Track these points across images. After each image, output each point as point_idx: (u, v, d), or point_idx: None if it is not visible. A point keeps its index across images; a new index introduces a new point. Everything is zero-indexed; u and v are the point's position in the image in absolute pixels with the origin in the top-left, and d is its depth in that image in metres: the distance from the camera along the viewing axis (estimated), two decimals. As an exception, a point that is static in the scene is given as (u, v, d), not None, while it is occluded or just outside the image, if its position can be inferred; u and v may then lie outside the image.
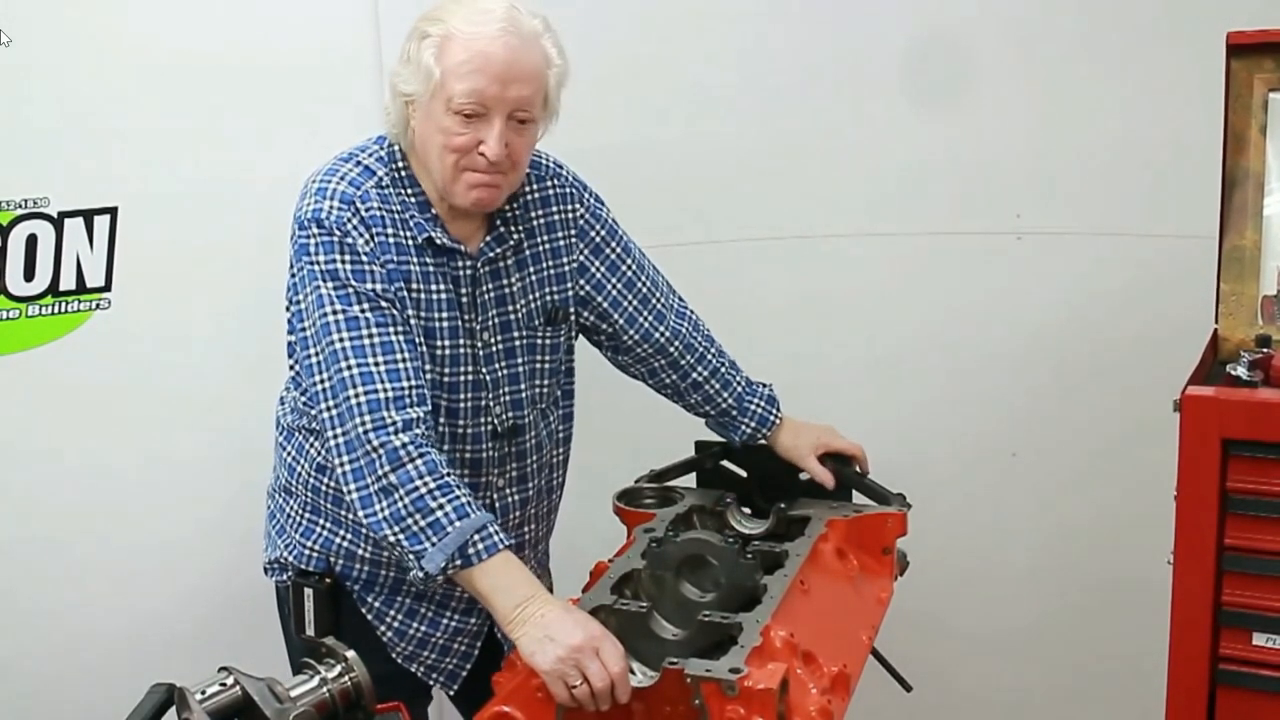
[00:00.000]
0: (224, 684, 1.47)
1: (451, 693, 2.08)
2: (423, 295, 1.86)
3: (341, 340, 1.77)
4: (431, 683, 2.05)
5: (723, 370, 2.16)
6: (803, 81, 2.80)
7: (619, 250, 2.07)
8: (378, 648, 1.99)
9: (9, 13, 2.27)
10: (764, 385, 2.20)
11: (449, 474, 1.73)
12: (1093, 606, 2.84)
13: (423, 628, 2.01)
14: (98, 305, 2.42)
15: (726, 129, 2.83)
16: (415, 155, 1.88)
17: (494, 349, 1.94)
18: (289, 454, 2.02)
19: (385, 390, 1.75)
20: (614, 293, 2.06)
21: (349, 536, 1.98)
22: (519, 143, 1.83)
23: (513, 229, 1.95)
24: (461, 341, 1.91)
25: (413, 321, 1.84)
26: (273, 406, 2.07)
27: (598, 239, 2.05)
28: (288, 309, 1.89)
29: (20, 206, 2.33)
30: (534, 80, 1.80)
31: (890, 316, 2.87)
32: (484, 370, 1.93)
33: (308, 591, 1.98)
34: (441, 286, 1.88)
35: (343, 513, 1.96)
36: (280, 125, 2.48)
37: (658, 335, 2.11)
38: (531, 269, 1.98)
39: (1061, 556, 2.86)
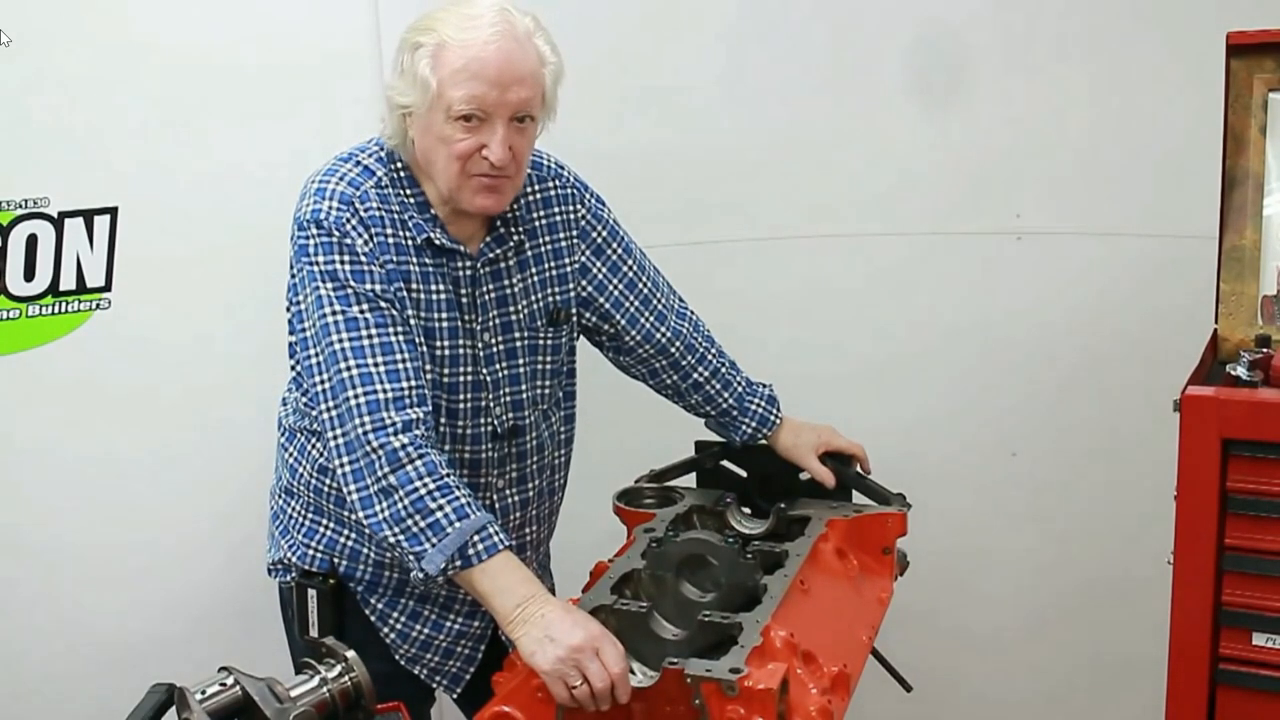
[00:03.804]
0: (224, 684, 1.47)
1: (455, 696, 2.08)
2: (422, 295, 1.86)
3: (341, 341, 1.77)
4: (435, 685, 2.05)
5: (723, 370, 2.16)
6: (803, 81, 2.80)
7: (620, 251, 2.07)
8: (381, 649, 1.99)
9: (9, 13, 2.27)
10: (764, 385, 2.20)
11: (449, 475, 1.73)
12: (1093, 606, 2.84)
13: (426, 630, 2.01)
14: (98, 305, 2.42)
15: (726, 129, 2.83)
16: (417, 165, 1.88)
17: (495, 350, 1.94)
18: (291, 455, 2.02)
19: (385, 391, 1.75)
20: (616, 294, 2.06)
21: (353, 537, 1.98)
22: (521, 143, 1.83)
23: (513, 230, 1.95)
24: (461, 342, 1.91)
25: (413, 322, 1.84)
26: (274, 407, 2.07)
27: (599, 240, 2.05)
28: (288, 310, 1.89)
29: (20, 206, 2.33)
30: (531, 81, 1.80)
31: (890, 316, 2.87)
32: (484, 371, 1.93)
33: (311, 593, 1.98)
34: (441, 287, 1.88)
35: (346, 513, 1.96)
36: (280, 126, 2.48)
37: (659, 336, 2.11)
38: (533, 269, 1.98)
39: (1061, 556, 2.86)
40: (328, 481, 1.95)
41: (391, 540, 1.72)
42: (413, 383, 1.78)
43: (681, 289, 2.19)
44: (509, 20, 1.78)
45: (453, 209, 1.88)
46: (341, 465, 1.76)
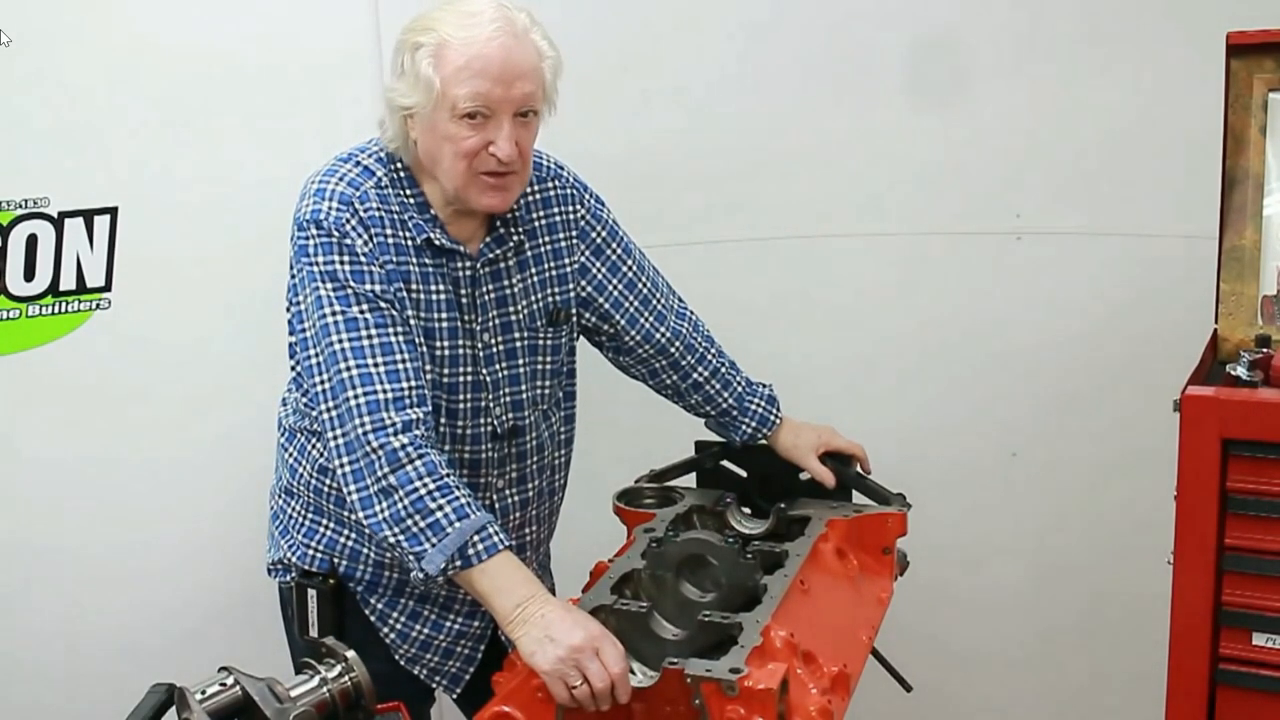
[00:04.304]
0: (224, 684, 1.47)
1: (455, 696, 2.08)
2: (422, 296, 1.86)
3: (340, 341, 1.77)
4: (435, 685, 2.05)
5: (723, 370, 2.16)
6: (802, 81, 2.80)
7: (620, 251, 2.07)
8: (381, 649, 1.99)
9: (9, 13, 2.27)
10: (764, 385, 2.20)
11: (449, 475, 1.73)
12: (1092, 606, 2.84)
13: (425, 630, 2.01)
14: (98, 305, 2.42)
15: (726, 129, 2.83)
16: (419, 166, 1.88)
17: (494, 350, 1.94)
18: (291, 455, 2.02)
19: (384, 391, 1.75)
20: (615, 294, 2.06)
21: (353, 537, 1.98)
22: (525, 137, 1.83)
23: (513, 230, 1.95)
24: (461, 342, 1.91)
25: (412, 322, 1.84)
26: (274, 407, 2.07)
27: (599, 240, 2.05)
28: (288, 310, 1.89)
29: (20, 206, 2.33)
30: (533, 76, 1.80)
31: (890, 316, 2.87)
32: (484, 371, 1.93)
33: (311, 593, 1.98)
34: (441, 287, 1.88)
35: (346, 513, 1.96)
36: (280, 126, 2.48)
37: (659, 336, 2.11)
38: (533, 270, 1.98)
39: (1061, 556, 2.86)
40: (328, 482, 1.95)
41: (391, 540, 1.72)
42: (412, 383, 1.78)
43: (681, 289, 2.19)
44: (508, 17, 1.79)
45: (454, 209, 1.88)
46: (341, 465, 1.76)
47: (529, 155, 1.87)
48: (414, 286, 1.86)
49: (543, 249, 1.99)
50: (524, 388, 1.98)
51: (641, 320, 2.09)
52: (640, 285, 2.09)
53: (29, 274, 2.36)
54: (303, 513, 2.02)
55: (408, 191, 1.88)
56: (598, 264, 2.05)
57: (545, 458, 2.05)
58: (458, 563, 1.69)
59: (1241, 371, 1.76)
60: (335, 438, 1.77)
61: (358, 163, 1.88)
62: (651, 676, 1.68)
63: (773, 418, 2.18)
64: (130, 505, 2.49)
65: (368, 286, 1.80)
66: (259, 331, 2.27)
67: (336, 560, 1.99)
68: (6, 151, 2.32)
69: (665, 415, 2.22)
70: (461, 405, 1.92)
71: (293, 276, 1.86)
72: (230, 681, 1.47)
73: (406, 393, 1.76)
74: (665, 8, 2.81)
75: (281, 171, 2.12)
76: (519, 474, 2.01)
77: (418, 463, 1.72)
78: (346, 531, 1.98)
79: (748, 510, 2.16)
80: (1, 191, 2.31)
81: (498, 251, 1.93)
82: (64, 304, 2.40)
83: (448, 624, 2.02)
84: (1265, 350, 1.80)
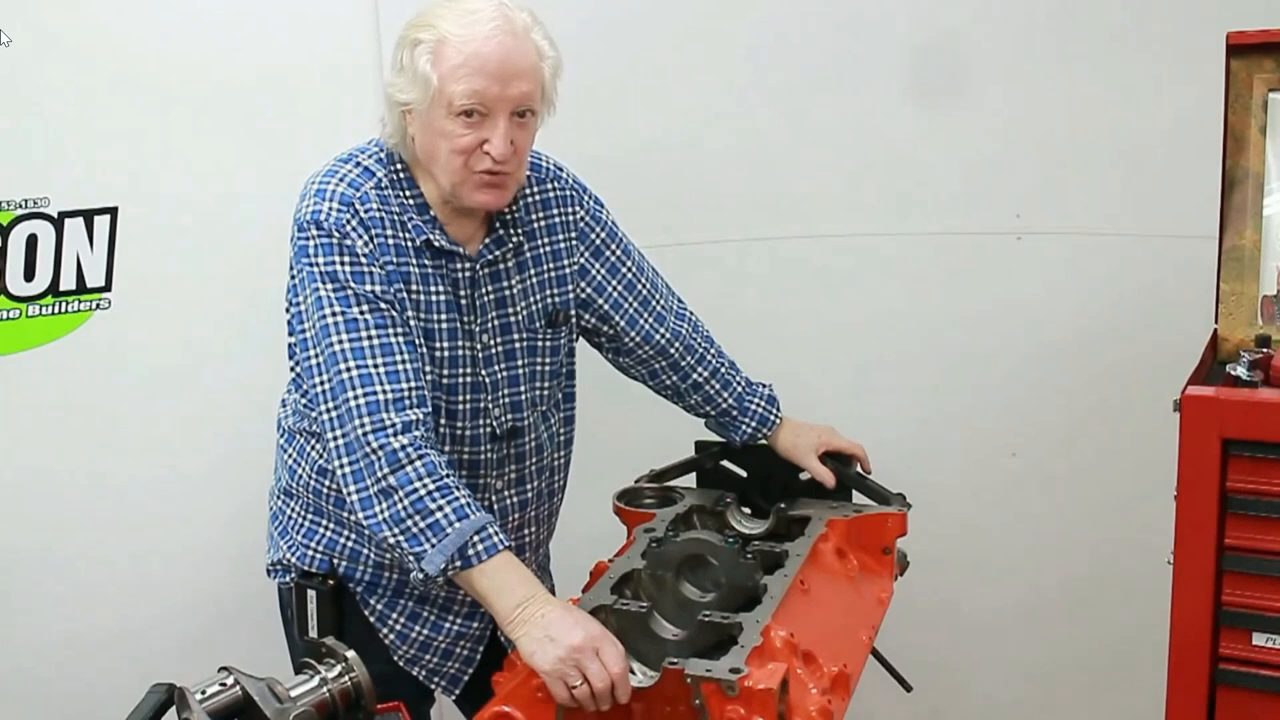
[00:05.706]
0: (224, 684, 1.47)
1: (454, 697, 2.08)
2: (422, 297, 1.86)
3: (341, 342, 1.77)
4: (434, 687, 2.05)
5: (722, 370, 2.16)
6: (802, 81, 2.80)
7: (619, 252, 2.07)
8: (380, 650, 1.99)
9: (9, 13, 2.27)
10: (763, 385, 2.20)
11: (448, 475, 1.73)
12: (1093, 607, 2.84)
13: (425, 631, 2.01)
14: (98, 305, 2.42)
15: (726, 129, 2.83)
16: (418, 164, 1.88)
17: (493, 351, 1.94)
18: (290, 456, 2.02)
19: (384, 392, 1.75)
20: (615, 295, 2.06)
21: (353, 538, 1.98)
22: (522, 137, 1.83)
23: (512, 231, 1.95)
24: (460, 343, 1.91)
25: (412, 323, 1.84)
26: (274, 407, 2.07)
27: (598, 241, 2.05)
28: (288, 311, 1.89)
29: (20, 206, 2.33)
30: (531, 75, 1.80)
31: (890, 316, 2.87)
32: (483, 372, 1.93)
33: (311, 593, 1.98)
34: (440, 288, 1.88)
35: (345, 514, 1.96)
36: (280, 126, 2.48)
37: (658, 337, 2.11)
38: (532, 271, 1.98)
39: (1061, 557, 2.86)
40: (327, 483, 1.95)
41: (391, 541, 1.72)
42: (412, 384, 1.78)
43: (679, 290, 2.19)
44: (507, 16, 1.79)
45: (452, 209, 1.88)
46: (341, 466, 1.76)
47: (525, 155, 1.87)
48: (414, 288, 1.85)
49: (542, 250, 1.99)
50: (523, 389, 1.97)
51: (641, 321, 2.09)
52: (639, 286, 2.09)
53: (29, 274, 2.36)
54: (302, 513, 2.02)
55: (407, 193, 1.88)
56: (597, 265, 2.05)
57: (545, 459, 2.05)
58: (457, 563, 1.69)
59: (1241, 371, 1.76)
60: (335, 438, 1.77)
61: (358, 163, 1.88)
62: (651, 676, 1.68)
63: (772, 417, 2.18)
64: (129, 505, 2.49)
65: (368, 287, 1.80)
66: (259, 332, 2.27)
67: (336, 561, 1.99)
68: (6, 151, 2.32)
69: (665, 415, 2.22)
70: (461, 406, 1.92)
71: (292, 277, 1.86)
72: (230, 681, 1.47)
73: (406, 394, 1.76)
74: (664, 8, 2.80)
75: (281, 172, 2.12)
76: (518, 475, 2.01)
77: (418, 463, 1.72)
78: (346, 532, 1.98)
79: (748, 510, 2.16)
80: (1, 191, 2.31)
81: (497, 253, 1.93)
82: (64, 304, 2.40)
83: (447, 625, 2.02)
84: (1265, 350, 1.80)
